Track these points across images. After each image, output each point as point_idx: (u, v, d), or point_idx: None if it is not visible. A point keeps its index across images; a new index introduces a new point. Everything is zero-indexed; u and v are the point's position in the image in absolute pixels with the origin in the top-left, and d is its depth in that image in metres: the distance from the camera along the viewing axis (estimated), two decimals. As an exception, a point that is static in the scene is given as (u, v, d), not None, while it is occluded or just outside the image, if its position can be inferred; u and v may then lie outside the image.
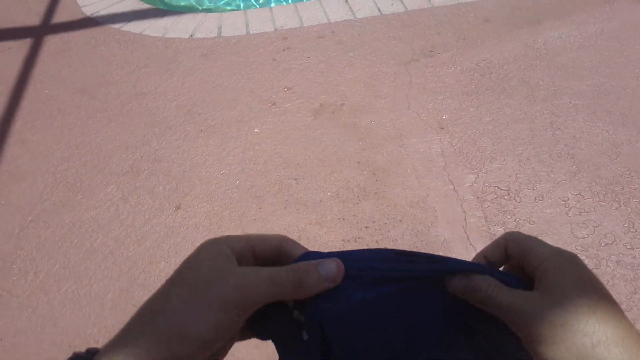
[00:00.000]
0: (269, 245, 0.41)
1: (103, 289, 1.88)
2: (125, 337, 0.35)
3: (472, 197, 2.15)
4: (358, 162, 2.37)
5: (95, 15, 3.78)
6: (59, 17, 3.76)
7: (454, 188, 2.20)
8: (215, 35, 3.48)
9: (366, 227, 2.09)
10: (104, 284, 1.90)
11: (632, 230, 1.96)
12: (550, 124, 2.43)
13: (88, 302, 1.84)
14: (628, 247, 1.91)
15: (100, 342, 1.72)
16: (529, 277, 0.40)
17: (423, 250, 1.96)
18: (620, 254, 1.89)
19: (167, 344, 0.34)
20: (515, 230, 0.43)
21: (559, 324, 0.34)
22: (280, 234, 0.42)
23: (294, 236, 2.02)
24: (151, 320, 0.35)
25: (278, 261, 0.42)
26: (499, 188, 2.18)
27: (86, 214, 2.21)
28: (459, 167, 2.29)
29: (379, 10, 3.59)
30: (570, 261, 0.37)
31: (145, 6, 3.93)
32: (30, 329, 1.79)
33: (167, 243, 2.04)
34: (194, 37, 3.49)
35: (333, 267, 0.39)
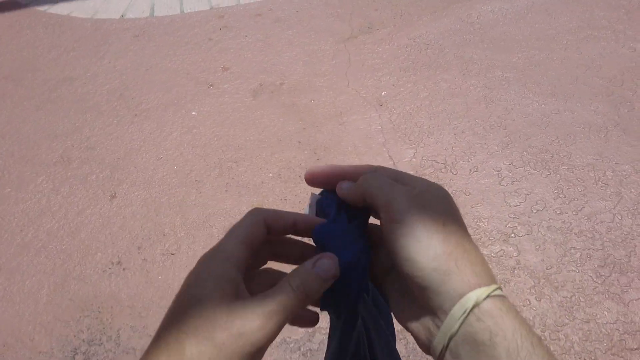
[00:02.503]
0: (282, 224, 0.43)
1: (37, 285, 1.80)
2: None
3: (411, 172, 2.18)
4: (299, 142, 2.36)
5: (16, -4, 3.56)
6: (-24, -2, 3.51)
7: (394, 164, 2.23)
8: (148, 14, 3.35)
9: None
10: (37, 279, 1.82)
11: (561, 196, 2.06)
12: (484, 97, 2.50)
13: (22, 299, 1.76)
14: (558, 212, 2.00)
15: (35, 339, 1.65)
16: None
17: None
18: (550, 220, 1.97)
19: None
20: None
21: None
22: (248, 218, 0.42)
23: (236, 219, 1.99)
24: None
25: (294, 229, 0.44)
26: (436, 162, 2.23)
27: (15, 207, 2.10)
28: (398, 142, 2.32)
29: (316, -14, 3.55)
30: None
31: (72, -14, 3.72)
32: (-42, 331, 1.70)
33: (102, 234, 1.97)
34: (125, 17, 3.34)
35: (329, 265, 0.39)
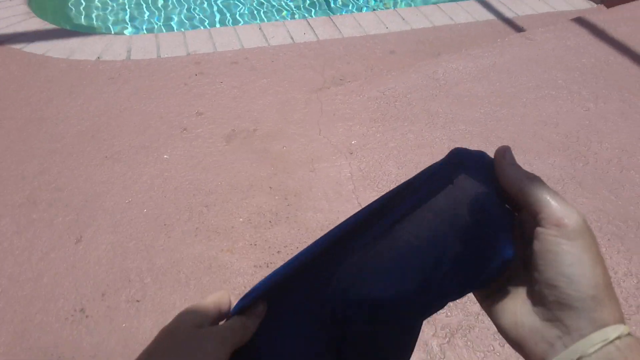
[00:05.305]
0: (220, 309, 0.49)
1: (-8, 331, 1.74)
2: None
3: (378, 220, 2.23)
4: (270, 187, 2.39)
5: (-9, 34, 3.56)
6: (-51, 35, 3.50)
7: (362, 212, 2.28)
8: (124, 57, 3.39)
9: (278, 251, 2.10)
10: (-7, 325, 1.76)
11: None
12: (448, 148, 2.57)
13: (-26, 347, 1.70)
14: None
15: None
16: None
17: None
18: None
19: None
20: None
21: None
22: (219, 292, 0.50)
23: (205, 264, 1.99)
24: None
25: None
26: (403, 211, 2.29)
27: (-25, 249, 2.04)
28: (367, 190, 2.38)
29: (292, 38, 3.68)
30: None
31: (50, 26, 3.76)
32: None
33: (66, 279, 1.93)
34: (101, 59, 3.38)
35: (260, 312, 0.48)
